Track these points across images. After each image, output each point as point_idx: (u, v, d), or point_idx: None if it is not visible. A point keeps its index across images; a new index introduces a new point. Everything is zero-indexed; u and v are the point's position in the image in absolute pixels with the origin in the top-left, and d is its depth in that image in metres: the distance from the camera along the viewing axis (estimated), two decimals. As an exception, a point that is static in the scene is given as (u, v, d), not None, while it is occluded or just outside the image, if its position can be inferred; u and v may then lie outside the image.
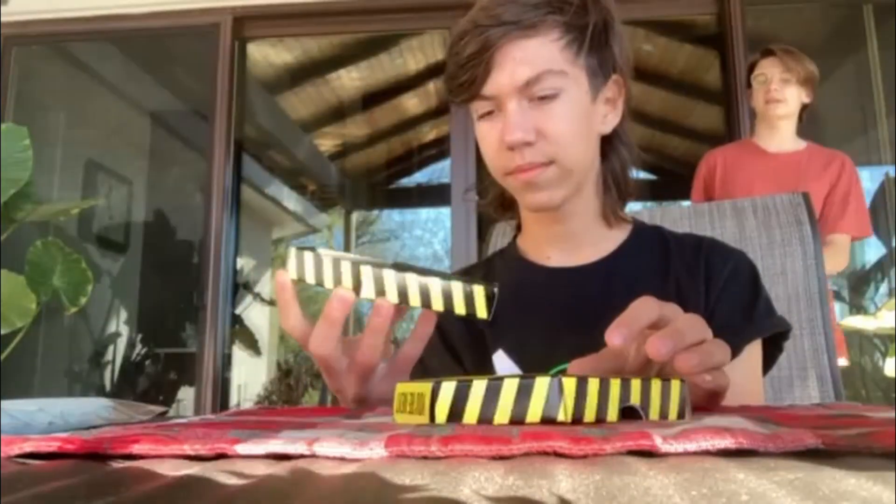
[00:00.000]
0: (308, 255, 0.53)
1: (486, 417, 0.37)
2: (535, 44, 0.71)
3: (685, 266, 0.80)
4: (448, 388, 0.38)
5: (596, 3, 0.74)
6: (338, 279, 0.52)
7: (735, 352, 0.73)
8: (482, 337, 0.81)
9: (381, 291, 0.52)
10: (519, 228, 0.90)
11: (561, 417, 0.36)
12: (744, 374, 0.73)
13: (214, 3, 2.84)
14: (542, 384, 0.36)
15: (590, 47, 0.74)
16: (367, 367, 0.55)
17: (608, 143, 0.81)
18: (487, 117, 0.75)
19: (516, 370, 0.78)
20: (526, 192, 0.76)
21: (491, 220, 0.95)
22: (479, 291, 0.51)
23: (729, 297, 0.77)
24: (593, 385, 0.38)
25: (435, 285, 0.51)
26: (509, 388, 0.37)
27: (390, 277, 0.51)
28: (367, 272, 0.52)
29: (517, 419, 0.36)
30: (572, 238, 0.82)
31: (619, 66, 0.78)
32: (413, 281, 0.51)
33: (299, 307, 0.55)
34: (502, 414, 0.37)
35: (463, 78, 0.73)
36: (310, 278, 0.53)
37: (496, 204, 0.89)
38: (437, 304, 0.52)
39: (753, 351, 0.76)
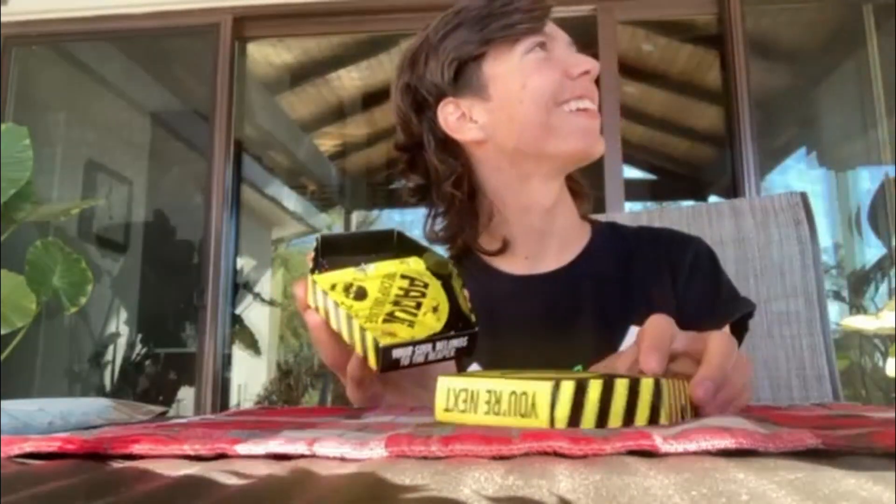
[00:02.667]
0: (310, 283, 0.55)
1: (601, 420, 0.34)
2: None
3: (646, 260, 0.81)
4: (567, 387, 0.34)
5: None
6: (314, 301, 0.54)
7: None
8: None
9: (317, 308, 0.54)
10: (464, 232, 0.82)
11: (663, 420, 0.35)
12: None
13: (214, 3, 2.83)
14: (647, 385, 0.36)
15: None
16: (334, 365, 0.57)
17: None
18: (541, 50, 0.78)
19: None
20: (586, 136, 0.77)
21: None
22: (370, 343, 0.49)
23: (694, 287, 0.78)
24: (667, 387, 0.37)
25: (351, 320, 0.51)
26: (621, 389, 0.35)
27: (321, 299, 0.53)
28: (319, 295, 0.53)
29: (627, 421, 0.35)
30: (555, 236, 0.81)
31: None
32: (335, 312, 0.52)
33: (334, 340, 0.56)
34: (616, 416, 0.35)
35: (534, 13, 0.77)
36: (312, 303, 0.55)
37: (453, 218, 0.81)
38: (346, 335, 0.52)
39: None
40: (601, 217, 0.94)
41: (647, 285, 0.79)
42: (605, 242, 0.84)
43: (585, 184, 0.86)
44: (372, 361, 0.49)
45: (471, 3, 0.79)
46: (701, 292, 0.78)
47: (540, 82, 0.76)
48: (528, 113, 0.76)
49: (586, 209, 0.86)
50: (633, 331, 0.76)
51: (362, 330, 0.49)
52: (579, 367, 0.75)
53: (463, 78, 0.79)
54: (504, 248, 0.81)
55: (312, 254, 0.55)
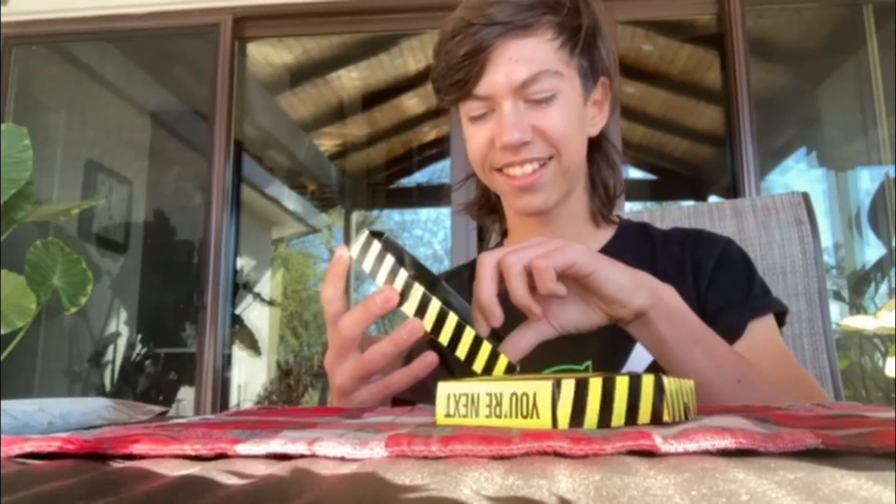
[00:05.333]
0: (375, 246, 0.55)
1: (604, 419, 0.34)
2: (531, 44, 0.71)
3: (671, 260, 0.79)
4: (568, 386, 0.34)
5: (587, 5, 0.75)
6: (390, 283, 0.54)
7: (738, 332, 0.72)
8: None
9: (420, 314, 0.53)
10: (504, 233, 0.90)
11: (666, 417, 0.35)
12: (759, 353, 0.71)
13: (214, 3, 2.83)
14: (647, 382, 0.36)
15: (582, 49, 0.74)
16: (370, 369, 0.56)
17: (594, 145, 0.81)
18: (479, 120, 0.74)
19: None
20: (519, 196, 0.75)
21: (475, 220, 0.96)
22: (502, 361, 0.53)
23: (721, 282, 0.76)
24: (669, 385, 0.37)
25: (468, 335, 0.53)
26: (621, 388, 0.35)
27: (434, 307, 0.53)
28: (416, 292, 0.53)
29: (630, 420, 0.35)
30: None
31: (607, 68, 0.78)
32: (452, 321, 0.53)
33: (343, 284, 0.57)
34: (618, 415, 0.34)
35: (456, 77, 0.72)
36: (367, 267, 0.55)
37: (479, 205, 0.89)
38: (461, 352, 0.53)
39: (763, 328, 0.73)
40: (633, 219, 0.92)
41: (667, 282, 0.78)
42: (626, 243, 0.83)
43: (614, 182, 0.83)
44: (500, 370, 0.53)
45: (443, 35, 0.75)
46: (727, 288, 0.75)
47: (471, 150, 0.77)
48: (475, 169, 0.80)
49: (605, 210, 0.84)
50: None
51: (494, 347, 0.53)
52: (588, 364, 0.75)
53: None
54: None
55: (376, 249, 0.55)
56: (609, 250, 0.81)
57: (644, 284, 0.58)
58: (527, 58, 0.70)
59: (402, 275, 0.53)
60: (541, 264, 0.54)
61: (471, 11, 0.72)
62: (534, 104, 0.71)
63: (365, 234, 0.55)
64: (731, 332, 0.71)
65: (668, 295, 0.60)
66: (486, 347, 0.53)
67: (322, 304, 0.58)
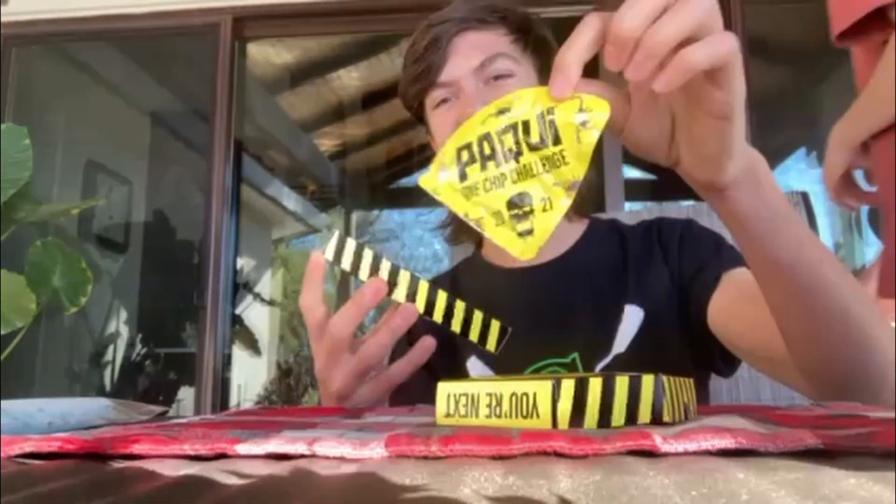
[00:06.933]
0: (350, 242, 0.55)
1: (604, 419, 0.34)
2: (488, 36, 0.78)
3: (642, 250, 0.82)
4: (568, 385, 0.34)
5: (536, 24, 0.82)
6: (374, 273, 0.55)
7: (713, 284, 0.72)
8: (454, 344, 0.80)
9: (411, 298, 0.54)
10: (479, 244, 0.94)
11: (666, 417, 0.35)
12: (743, 289, 0.68)
13: (214, 3, 2.83)
14: (647, 382, 0.36)
15: (534, 48, 0.80)
16: (368, 365, 0.56)
17: None
18: (443, 105, 0.79)
19: (490, 375, 0.78)
20: None
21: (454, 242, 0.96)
22: (494, 326, 0.55)
23: (689, 249, 0.79)
24: (668, 384, 0.37)
25: (459, 308, 0.54)
26: (621, 387, 0.35)
27: (423, 288, 0.54)
28: (404, 276, 0.54)
29: (630, 420, 0.35)
30: None
31: None
32: (442, 297, 0.54)
33: (322, 289, 0.57)
34: (618, 415, 0.34)
35: (420, 67, 0.78)
36: (346, 264, 0.55)
37: (456, 224, 0.89)
38: (456, 325, 0.54)
39: (741, 272, 0.69)
40: (602, 216, 0.95)
41: (640, 267, 0.80)
42: (598, 237, 0.86)
43: (585, 182, 0.86)
44: (492, 344, 0.54)
45: (409, 43, 0.82)
46: (696, 251, 0.78)
47: (438, 137, 0.81)
48: None
49: (582, 207, 0.86)
50: (629, 310, 0.78)
51: (486, 314, 0.54)
52: (575, 355, 0.76)
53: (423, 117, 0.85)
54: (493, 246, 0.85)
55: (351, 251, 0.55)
56: (582, 245, 0.85)
57: (743, 159, 0.46)
58: (484, 45, 0.77)
59: (386, 264, 0.55)
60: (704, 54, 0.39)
61: (430, 19, 0.80)
62: (494, 82, 0.77)
63: (336, 233, 0.56)
64: (707, 287, 0.72)
65: (760, 168, 0.48)
66: (478, 316, 0.54)
67: (303, 313, 0.56)
